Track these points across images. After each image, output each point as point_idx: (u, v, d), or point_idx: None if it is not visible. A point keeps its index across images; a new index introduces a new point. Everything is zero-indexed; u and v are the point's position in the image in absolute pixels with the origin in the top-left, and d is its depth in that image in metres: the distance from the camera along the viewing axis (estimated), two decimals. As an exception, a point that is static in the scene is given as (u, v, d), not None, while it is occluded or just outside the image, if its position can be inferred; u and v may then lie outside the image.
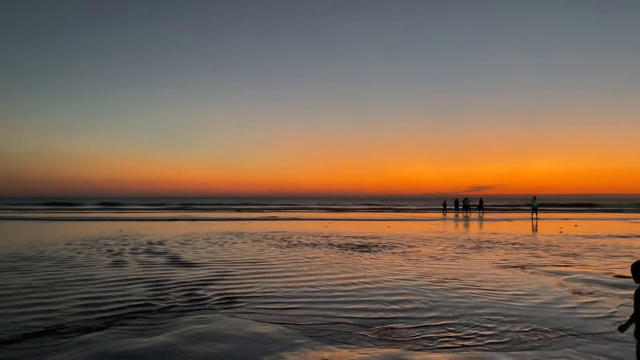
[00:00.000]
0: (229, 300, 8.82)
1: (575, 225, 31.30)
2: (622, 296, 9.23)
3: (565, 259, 14.64)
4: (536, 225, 31.37)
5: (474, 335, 6.58)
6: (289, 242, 19.78)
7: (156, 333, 6.72)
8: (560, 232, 25.90)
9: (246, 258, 14.71)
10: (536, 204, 42.06)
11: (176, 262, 13.91)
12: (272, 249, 17.29)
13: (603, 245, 18.33)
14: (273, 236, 22.39)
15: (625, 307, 8.28)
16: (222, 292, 9.61)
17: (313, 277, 11.28)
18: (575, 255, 15.54)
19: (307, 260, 14.32)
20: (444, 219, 40.51)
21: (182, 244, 18.98)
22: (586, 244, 19.13)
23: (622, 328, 4.58)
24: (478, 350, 5.99)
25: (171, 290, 9.72)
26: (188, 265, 13.26)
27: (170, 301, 8.78)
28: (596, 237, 22.32)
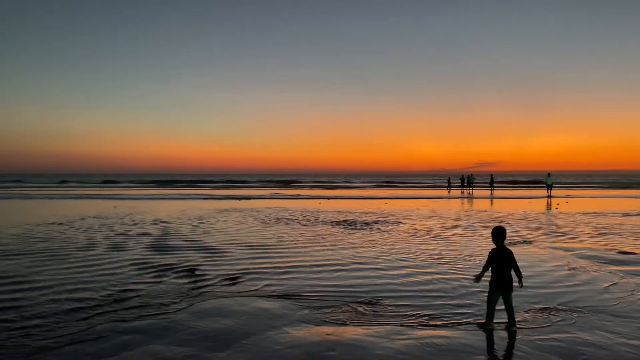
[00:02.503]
0: (233, 277, 9.04)
1: (566, 202, 31.57)
2: (626, 272, 9.45)
3: (563, 236, 14.86)
4: (549, 203, 31.44)
5: (471, 313, 6.80)
6: (277, 218, 19.99)
7: (163, 308, 6.95)
8: (556, 208, 26.36)
9: (250, 235, 14.94)
10: (551, 182, 40.43)
11: (176, 240, 14.14)
12: (256, 223, 17.52)
13: (603, 223, 18.55)
14: (267, 213, 22.62)
15: (626, 282, 8.51)
16: (227, 269, 9.83)
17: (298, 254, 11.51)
18: (571, 231, 15.78)
19: (291, 236, 14.55)
20: (447, 196, 40.71)
21: (180, 221, 19.22)
22: (585, 221, 19.35)
23: (477, 278, 6.16)
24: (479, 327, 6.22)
25: (172, 268, 9.96)
26: (184, 243, 13.50)
27: (172, 278, 9.01)
28: (600, 214, 22.53)
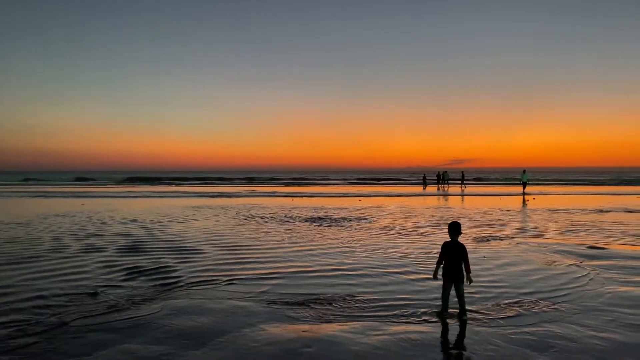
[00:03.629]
0: (208, 276, 9.02)
1: (534, 199, 32.35)
2: (595, 266, 9.76)
3: (535, 232, 15.25)
4: (524, 199, 32.07)
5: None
6: (250, 216, 19.96)
7: (135, 307, 6.90)
8: (526, 204, 26.99)
9: (225, 233, 14.88)
10: (526, 179, 41.31)
11: (149, 238, 14.00)
12: (230, 221, 17.48)
13: (573, 219, 19.07)
14: (241, 210, 22.54)
15: (595, 276, 8.79)
16: (201, 267, 9.80)
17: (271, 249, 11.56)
18: (542, 227, 16.19)
19: (263, 234, 14.57)
20: (423, 194, 41.16)
21: (155, 219, 19.01)
22: (556, 217, 19.87)
23: (434, 275, 6.55)
24: (468, 323, 6.36)
25: (148, 265, 9.87)
26: (158, 241, 13.38)
27: (148, 275, 8.94)
28: (570, 210, 23.14)
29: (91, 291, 7.82)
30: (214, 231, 15.50)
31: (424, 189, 50.69)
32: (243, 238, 13.93)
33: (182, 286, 8.22)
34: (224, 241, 13.30)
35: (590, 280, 8.61)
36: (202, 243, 12.97)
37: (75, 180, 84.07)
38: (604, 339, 5.56)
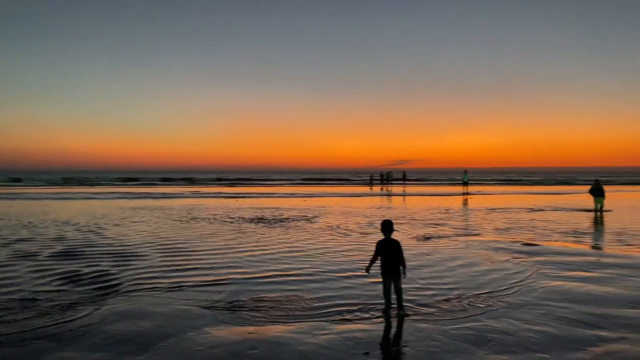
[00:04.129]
0: (151, 280, 8.78)
1: (470, 198, 33.68)
2: (530, 262, 10.25)
3: (474, 230, 15.86)
4: (465, 199, 33.17)
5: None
6: (193, 217, 19.65)
7: (72, 314, 6.62)
8: (466, 204, 28.02)
9: (166, 236, 14.53)
10: (467, 179, 43.52)
11: (84, 241, 13.46)
12: (171, 222, 17.14)
13: (511, 218, 19.99)
14: (183, 211, 22.10)
15: (530, 271, 9.25)
16: (142, 271, 9.52)
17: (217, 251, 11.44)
18: (480, 226, 16.87)
19: (204, 235, 14.41)
20: (366, 193, 41.77)
21: (97, 221, 18.29)
22: (494, 215, 20.75)
23: (367, 269, 6.78)
24: (411, 320, 6.51)
25: (85, 271, 9.49)
26: (98, 243, 12.90)
27: (85, 281, 8.60)
28: (507, 209, 24.20)
29: (24, 299, 7.44)
30: (155, 234, 15.11)
31: (371, 188, 51.51)
32: (185, 240, 13.66)
33: (122, 292, 7.97)
34: (166, 244, 12.99)
35: (525, 275, 9.03)
36: (142, 247, 12.60)
37: (8, 182, 79.18)
38: (538, 332, 5.85)
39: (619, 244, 12.91)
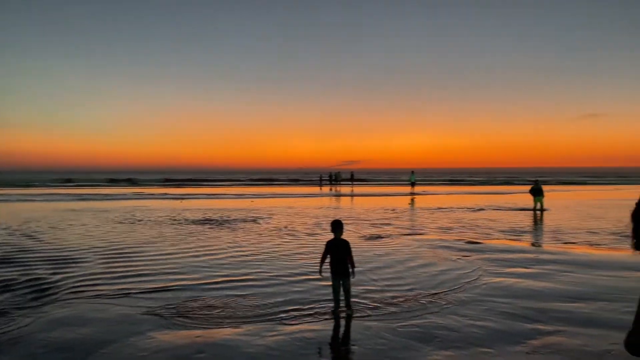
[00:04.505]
0: (92, 284, 8.46)
1: (414, 198, 34.56)
2: (473, 260, 10.60)
3: (420, 229, 16.25)
4: (411, 199, 33.82)
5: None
6: (137, 219, 19.14)
7: (9, 322, 6.27)
8: (412, 204, 28.68)
9: (108, 239, 14.05)
10: (414, 179, 45.09)
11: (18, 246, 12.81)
12: (112, 225, 16.65)
13: (453, 217, 20.63)
14: (125, 214, 21.46)
15: (473, 268, 9.56)
16: (82, 275, 9.16)
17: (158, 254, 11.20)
18: (426, 225, 17.33)
19: (146, 238, 14.09)
20: (315, 194, 41.91)
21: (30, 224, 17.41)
22: (439, 215, 21.35)
23: (319, 271, 6.70)
24: (359, 319, 6.57)
25: (19, 277, 9.02)
26: (33, 247, 12.30)
27: (20, 288, 8.17)
28: (452, 209, 24.93)
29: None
30: (97, 238, 14.57)
31: (321, 189, 51.73)
32: (129, 244, 13.24)
33: (60, 299, 7.62)
34: (108, 248, 12.54)
35: (468, 273, 9.33)
36: (83, 251, 12.10)
37: None
38: (481, 327, 6.06)
39: (555, 241, 13.55)
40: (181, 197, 36.13)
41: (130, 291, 7.93)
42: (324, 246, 6.83)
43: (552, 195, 36.58)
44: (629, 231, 3.75)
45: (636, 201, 3.70)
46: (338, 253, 6.62)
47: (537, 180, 23.59)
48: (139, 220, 18.85)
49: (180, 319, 6.46)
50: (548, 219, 19.35)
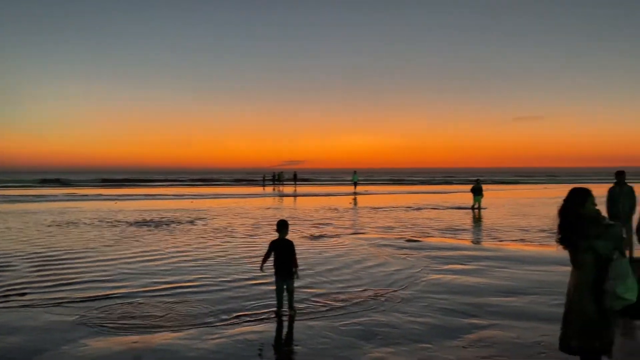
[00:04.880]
0: (19, 292, 8.00)
1: (355, 199, 35.10)
2: (413, 257, 10.87)
3: (362, 228, 16.52)
4: (354, 199, 34.15)
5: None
6: (63, 222, 18.37)
7: None
8: (354, 203, 29.08)
9: (35, 243, 13.35)
10: (357, 179, 46.14)
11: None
12: (48, 229, 15.91)
13: (392, 216, 21.10)
14: (54, 217, 20.50)
15: (412, 265, 9.81)
16: (8, 282, 8.65)
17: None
18: (367, 224, 17.64)
19: (77, 241, 13.59)
20: (257, 194, 41.62)
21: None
22: (380, 214, 21.78)
23: (261, 268, 6.63)
24: (302, 319, 6.57)
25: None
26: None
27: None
28: (392, 208, 25.48)
29: None
30: (25, 242, 13.82)
31: (264, 189, 51.40)
32: (59, 249, 12.64)
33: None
34: (36, 253, 11.92)
35: (409, 270, 9.55)
36: (8, 257, 11.42)
37: None
38: (421, 323, 6.22)
39: (490, 238, 14.15)
40: (116, 198, 34.80)
41: (62, 300, 7.53)
42: (267, 246, 6.79)
43: (487, 194, 38.08)
44: (555, 227, 4.00)
45: (563, 198, 3.94)
46: (282, 253, 6.60)
47: (478, 180, 24.52)
48: (72, 223, 18.02)
49: (116, 325, 6.23)
50: (483, 217, 20.17)
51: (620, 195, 10.00)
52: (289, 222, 7.01)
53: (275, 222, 6.96)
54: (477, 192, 23.29)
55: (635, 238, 4.09)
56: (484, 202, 23.84)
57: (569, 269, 3.83)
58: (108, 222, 18.40)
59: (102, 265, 10.08)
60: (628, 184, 10.20)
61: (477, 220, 19.43)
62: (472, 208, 23.17)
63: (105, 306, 7.05)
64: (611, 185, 10.32)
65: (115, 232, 15.35)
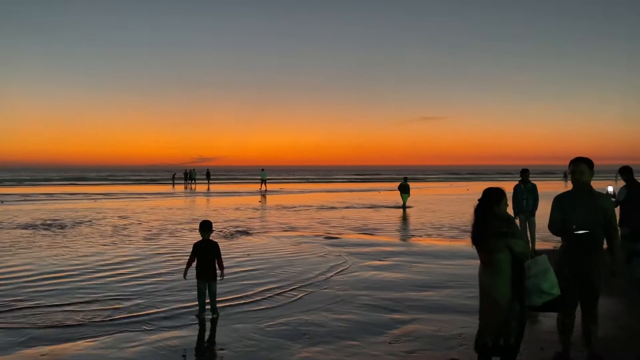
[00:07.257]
0: None
1: (264, 197, 35.29)
2: (334, 254, 11.00)
3: (278, 226, 16.51)
4: (263, 197, 33.89)
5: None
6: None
7: None
8: (265, 202, 29.14)
9: None
10: (265, 177, 45.96)
11: None
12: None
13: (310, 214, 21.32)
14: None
15: (334, 262, 9.94)
16: None
17: (17, 264, 9.97)
18: (283, 222, 17.68)
19: None
20: (169, 192, 40.19)
21: None
22: (292, 212, 21.91)
23: (184, 274, 6.55)
24: (226, 322, 6.39)
25: None
26: None
27: None
28: (304, 207, 25.70)
29: None
30: None
31: (174, 187, 49.65)
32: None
33: None
34: None
35: (329, 267, 9.66)
36: None
37: None
38: (346, 321, 6.31)
39: (405, 234, 14.68)
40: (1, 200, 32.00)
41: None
42: (185, 250, 6.59)
43: (413, 192, 39.52)
44: (470, 225, 4.19)
45: (478, 198, 4.14)
46: (206, 255, 6.46)
47: (405, 178, 25.22)
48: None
49: (18, 337, 5.71)
50: (399, 214, 20.88)
51: (524, 192, 10.77)
52: (204, 222, 6.80)
53: (199, 223, 6.76)
54: (404, 189, 23.84)
55: (613, 232, 4.40)
56: (392, 199, 24.49)
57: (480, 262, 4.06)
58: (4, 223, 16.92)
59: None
60: (532, 181, 11.02)
61: (402, 217, 19.95)
62: (404, 207, 23.24)
63: (6, 320, 6.46)
64: (515, 183, 11.11)
65: (6, 238, 14.14)
